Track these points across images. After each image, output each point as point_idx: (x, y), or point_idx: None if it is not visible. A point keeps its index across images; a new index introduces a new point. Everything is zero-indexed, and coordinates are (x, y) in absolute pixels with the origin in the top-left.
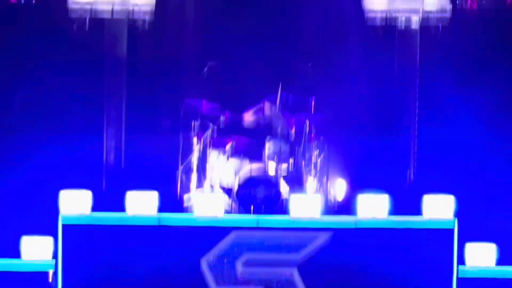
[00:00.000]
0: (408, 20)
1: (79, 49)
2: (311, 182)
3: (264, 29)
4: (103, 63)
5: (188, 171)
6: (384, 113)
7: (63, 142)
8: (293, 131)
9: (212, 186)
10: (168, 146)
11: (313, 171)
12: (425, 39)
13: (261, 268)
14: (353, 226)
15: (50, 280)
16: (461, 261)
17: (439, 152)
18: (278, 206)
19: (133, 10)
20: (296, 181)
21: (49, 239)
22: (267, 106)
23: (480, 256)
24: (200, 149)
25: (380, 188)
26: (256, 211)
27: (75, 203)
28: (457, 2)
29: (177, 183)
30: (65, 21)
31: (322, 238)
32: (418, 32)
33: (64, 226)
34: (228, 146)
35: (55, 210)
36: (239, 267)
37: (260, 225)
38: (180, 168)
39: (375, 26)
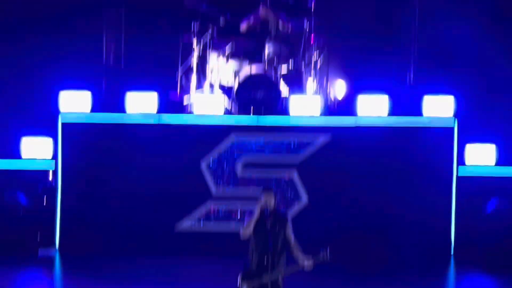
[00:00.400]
0: None
1: None
2: (311, 82)
3: None
4: None
5: (188, 72)
6: (384, 14)
7: (63, 44)
8: (292, 32)
9: (211, 87)
10: (168, 47)
11: (312, 72)
12: None
13: (260, 169)
14: (352, 125)
15: (50, 179)
16: (462, 162)
17: (439, 52)
18: (278, 106)
19: None
20: (295, 81)
21: (49, 140)
22: (264, 9)
23: (480, 156)
24: (200, 50)
25: (380, 89)
26: (256, 112)
27: (75, 104)
28: None
29: (177, 83)
30: None
31: (321, 139)
32: None
33: (63, 124)
34: (228, 47)
35: (55, 111)
36: (239, 168)
37: (260, 124)
38: (180, 68)
39: None
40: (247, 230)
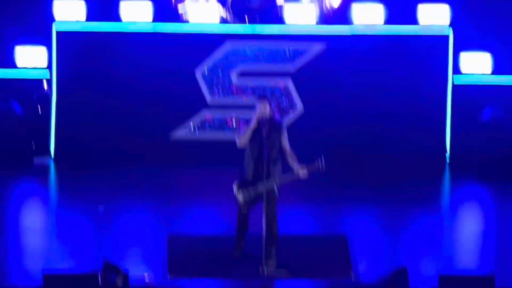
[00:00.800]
0: None
1: None
2: None
3: None
4: None
5: None
6: None
7: None
8: None
9: None
10: None
11: None
12: None
13: (255, 78)
14: (348, 34)
15: (45, 88)
16: (457, 71)
17: None
18: (273, 14)
19: None
20: None
21: (43, 49)
22: None
23: (475, 65)
24: None
25: None
26: (251, 20)
27: (69, 12)
28: None
29: None
30: None
31: (316, 47)
32: None
33: (58, 33)
34: None
35: (50, 20)
36: (234, 77)
37: (255, 32)
38: None
39: None
40: (243, 138)
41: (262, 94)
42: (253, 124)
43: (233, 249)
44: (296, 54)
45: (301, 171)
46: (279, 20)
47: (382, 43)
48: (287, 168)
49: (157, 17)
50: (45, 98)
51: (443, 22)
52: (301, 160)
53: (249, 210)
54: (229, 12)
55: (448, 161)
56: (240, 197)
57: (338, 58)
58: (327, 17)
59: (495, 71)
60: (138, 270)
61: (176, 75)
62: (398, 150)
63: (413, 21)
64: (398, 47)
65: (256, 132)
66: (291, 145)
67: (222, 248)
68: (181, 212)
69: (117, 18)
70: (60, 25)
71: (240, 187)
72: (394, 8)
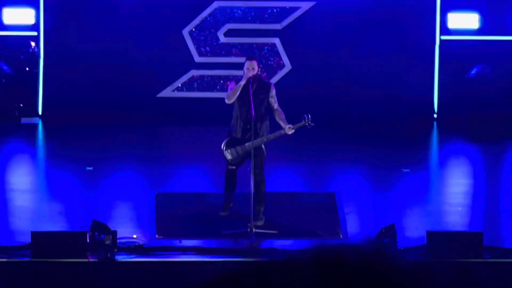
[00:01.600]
0: None
1: None
2: None
3: None
4: None
5: None
6: None
7: None
8: None
9: None
10: None
11: None
12: None
13: (243, 38)
14: None
15: (33, 47)
16: (445, 31)
17: None
18: None
19: None
20: None
21: (31, 11)
22: None
23: (463, 24)
24: None
25: None
26: None
27: None
28: None
29: None
30: None
31: (304, 6)
32: None
33: None
34: None
35: None
36: (221, 36)
37: None
38: None
39: None
40: (232, 95)
41: (251, 55)
42: (242, 81)
43: (221, 207)
44: (284, 12)
45: (288, 129)
46: None
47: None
48: (275, 126)
49: None
50: (33, 55)
51: None
52: (288, 117)
53: (237, 168)
54: None
55: (435, 116)
56: (228, 155)
57: (326, 16)
58: None
59: (483, 32)
60: (126, 229)
61: (163, 35)
62: (386, 106)
63: None
64: (386, 4)
65: (244, 91)
66: (279, 103)
67: (211, 206)
68: (169, 171)
69: None
70: None
71: (228, 146)
72: None
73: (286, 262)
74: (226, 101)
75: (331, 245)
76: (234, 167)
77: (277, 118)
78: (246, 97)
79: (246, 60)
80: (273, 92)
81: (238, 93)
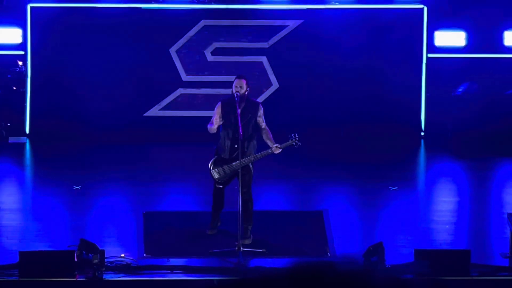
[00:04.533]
0: None
1: None
2: None
3: None
4: None
5: None
6: None
7: None
8: None
9: None
10: None
11: None
12: None
13: (230, 57)
14: (323, 7)
15: (20, 65)
16: (432, 49)
17: None
18: None
19: None
20: None
21: (18, 30)
22: None
23: (450, 42)
24: None
25: None
26: None
27: None
28: None
29: None
30: None
31: (291, 23)
32: None
33: (32, 8)
34: None
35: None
36: (209, 56)
37: (230, 7)
38: None
39: None
40: (214, 126)
41: (240, 74)
42: (216, 110)
43: (209, 226)
44: (271, 30)
45: (276, 149)
46: None
47: (357, 16)
48: (262, 145)
49: None
50: (20, 76)
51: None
52: (275, 136)
53: (224, 187)
54: None
55: (423, 134)
56: (215, 174)
57: (314, 33)
58: None
59: (469, 50)
60: (114, 248)
61: (150, 53)
62: (374, 124)
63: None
64: (373, 20)
65: (231, 111)
66: (266, 121)
67: (198, 225)
68: (157, 190)
69: None
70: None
71: (215, 165)
72: None
73: (264, 280)
74: (209, 131)
75: (309, 263)
76: (221, 186)
77: (264, 137)
78: (233, 117)
79: (235, 79)
80: (261, 111)
81: (218, 121)
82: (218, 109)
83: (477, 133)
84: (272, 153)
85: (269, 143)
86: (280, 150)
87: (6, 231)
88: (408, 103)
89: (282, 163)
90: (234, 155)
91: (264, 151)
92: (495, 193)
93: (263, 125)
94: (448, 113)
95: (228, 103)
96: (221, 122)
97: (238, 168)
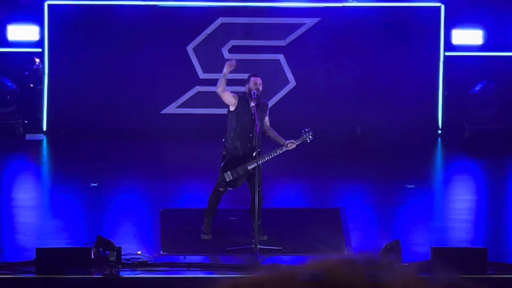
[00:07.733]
0: None
1: None
2: None
3: None
4: None
5: None
6: None
7: None
8: None
9: None
10: None
11: None
12: None
13: (247, 55)
14: (340, 6)
15: (37, 63)
16: (450, 47)
17: None
18: None
19: None
20: None
21: (36, 28)
22: None
23: (467, 40)
24: None
25: None
26: None
27: None
28: None
29: None
30: None
31: (308, 21)
32: None
33: (50, 6)
34: None
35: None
36: (225, 53)
37: (247, 5)
38: None
39: None
40: (221, 85)
41: (254, 73)
42: (233, 95)
43: (204, 231)
44: (289, 28)
45: (291, 144)
46: None
47: (373, 15)
48: (270, 145)
49: None
50: (37, 74)
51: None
52: (293, 134)
53: (228, 190)
54: None
55: (440, 132)
56: (228, 177)
57: (331, 31)
58: None
59: (487, 49)
60: (131, 245)
61: (168, 51)
62: (391, 121)
63: None
64: (391, 19)
65: (246, 109)
66: (283, 119)
67: (215, 222)
68: (174, 187)
69: None
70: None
71: (227, 168)
72: None
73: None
74: (217, 91)
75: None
76: (231, 189)
77: (272, 136)
78: (247, 114)
79: (251, 77)
80: (268, 111)
81: (224, 82)
82: (235, 98)
83: (494, 131)
84: (287, 150)
85: (280, 141)
86: (295, 146)
87: (23, 228)
88: (425, 101)
89: (298, 161)
90: (247, 154)
91: (278, 148)
92: None
93: (269, 124)
94: (465, 111)
95: (243, 102)
96: (231, 99)
97: (252, 168)
